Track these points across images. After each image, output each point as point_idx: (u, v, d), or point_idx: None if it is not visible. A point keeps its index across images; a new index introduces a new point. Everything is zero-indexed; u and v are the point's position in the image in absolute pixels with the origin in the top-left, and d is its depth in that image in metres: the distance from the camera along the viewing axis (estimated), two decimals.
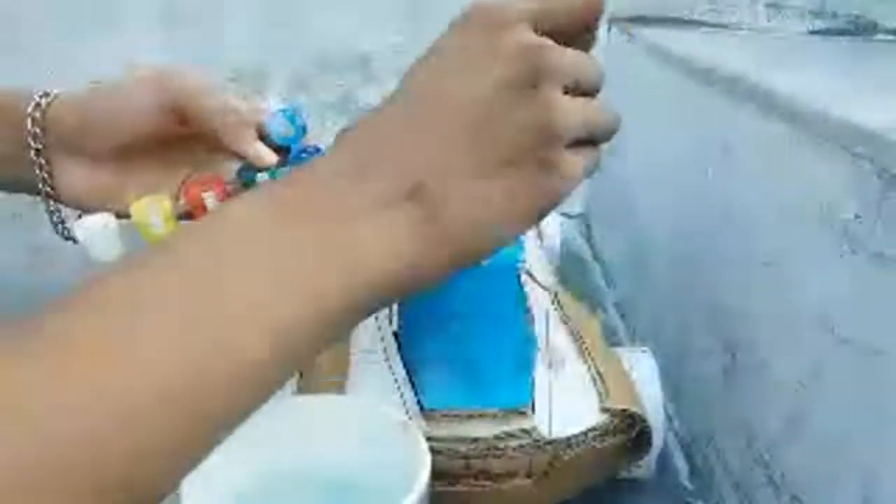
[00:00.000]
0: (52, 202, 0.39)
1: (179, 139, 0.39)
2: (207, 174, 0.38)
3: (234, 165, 0.38)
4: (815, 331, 0.35)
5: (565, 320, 0.48)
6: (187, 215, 0.37)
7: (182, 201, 0.37)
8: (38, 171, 0.38)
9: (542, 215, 0.26)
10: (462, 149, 0.25)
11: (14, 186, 0.40)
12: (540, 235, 0.64)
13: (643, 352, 0.47)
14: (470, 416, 0.39)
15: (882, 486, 0.30)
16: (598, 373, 0.43)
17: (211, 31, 0.76)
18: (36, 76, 0.44)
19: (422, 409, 0.40)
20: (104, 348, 0.21)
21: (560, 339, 0.46)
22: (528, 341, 0.43)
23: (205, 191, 0.37)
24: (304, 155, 0.37)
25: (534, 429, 0.39)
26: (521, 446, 0.39)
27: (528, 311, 0.45)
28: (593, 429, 0.40)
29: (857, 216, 0.32)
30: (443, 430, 0.39)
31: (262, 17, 0.76)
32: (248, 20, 0.76)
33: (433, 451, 0.34)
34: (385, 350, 0.44)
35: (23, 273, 0.78)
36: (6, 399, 0.19)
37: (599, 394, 0.41)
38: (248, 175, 0.37)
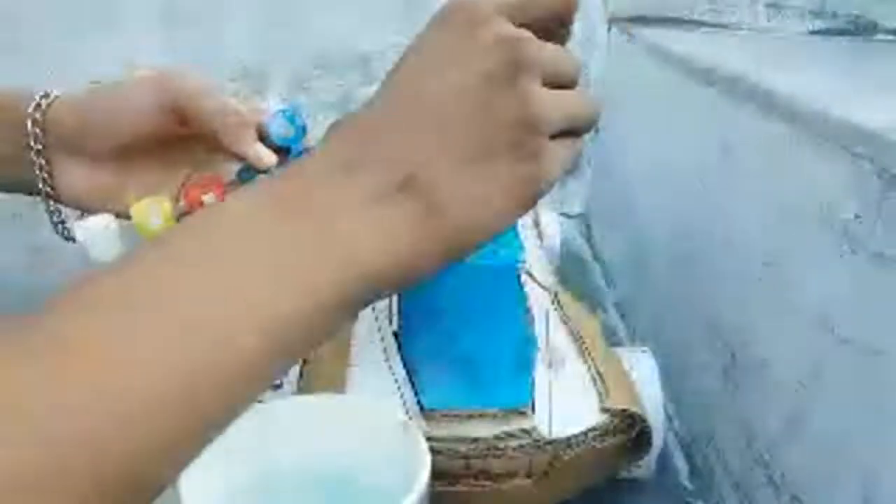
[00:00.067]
0: (52, 202, 0.39)
1: (179, 140, 0.39)
2: (207, 175, 0.38)
3: (234, 166, 0.38)
4: (815, 331, 0.35)
5: (565, 320, 0.48)
6: (187, 216, 0.37)
7: (182, 202, 0.37)
8: (38, 172, 0.38)
9: (527, 206, 0.27)
10: (447, 141, 0.25)
11: (14, 186, 0.40)
12: (540, 235, 0.64)
13: (643, 352, 0.47)
14: (470, 416, 0.39)
15: (882, 486, 0.30)
16: (598, 373, 0.43)
17: (211, 31, 0.76)
18: (36, 76, 0.44)
19: (422, 409, 0.40)
20: (104, 348, 0.21)
21: (560, 339, 0.46)
22: (528, 341, 0.43)
23: (204, 192, 0.37)
24: (304, 156, 0.37)
25: (534, 429, 0.39)
26: (521, 446, 0.39)
27: (528, 311, 0.45)
28: (593, 429, 0.40)
29: (857, 216, 0.32)
30: (443, 430, 0.39)
31: (262, 17, 0.76)
32: (248, 20, 0.76)
33: (433, 451, 0.34)
34: (385, 350, 0.44)
35: (23, 273, 0.78)
36: (6, 399, 0.19)
37: (599, 394, 0.41)
38: (248, 176, 0.37)
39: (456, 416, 0.39)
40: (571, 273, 0.70)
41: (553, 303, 0.49)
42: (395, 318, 0.45)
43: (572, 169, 0.82)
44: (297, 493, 0.37)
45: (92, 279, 0.22)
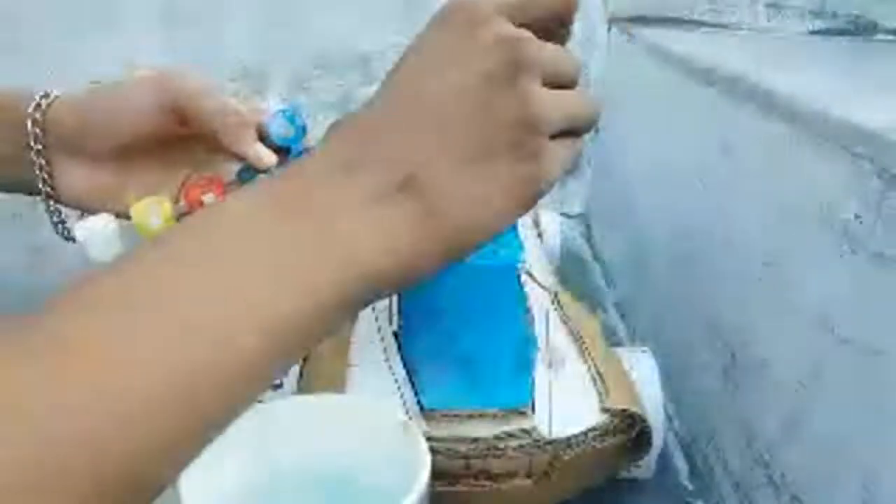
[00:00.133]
0: (52, 202, 0.39)
1: (179, 140, 0.39)
2: (207, 175, 0.38)
3: (234, 166, 0.38)
4: (815, 331, 0.35)
5: (565, 320, 0.48)
6: (187, 216, 0.37)
7: (182, 202, 0.37)
8: (38, 172, 0.38)
9: (527, 206, 0.27)
10: (447, 141, 0.25)
11: (14, 186, 0.40)
12: (540, 235, 0.64)
13: (643, 352, 0.47)
14: (470, 416, 0.39)
15: (882, 486, 0.30)
16: (598, 373, 0.43)
17: (211, 31, 0.76)
18: (36, 76, 0.44)
19: (422, 409, 0.40)
20: (104, 348, 0.21)
21: (560, 339, 0.46)
22: (528, 341, 0.43)
23: (204, 192, 0.37)
24: (304, 156, 0.37)
25: (534, 429, 0.39)
26: (521, 446, 0.39)
27: (528, 311, 0.45)
28: (593, 429, 0.40)
29: (857, 216, 0.32)
30: (443, 430, 0.39)
31: (262, 17, 0.76)
32: (248, 20, 0.76)
33: (433, 451, 0.34)
34: (385, 350, 0.44)
35: (23, 273, 0.78)
36: (6, 399, 0.19)
37: (599, 394, 0.41)
38: (248, 176, 0.37)
39: (456, 416, 0.39)
40: (571, 273, 0.70)
41: (553, 303, 0.49)
42: (395, 318, 0.45)
43: (572, 169, 0.82)
44: (297, 493, 0.37)
45: (92, 279, 0.22)
